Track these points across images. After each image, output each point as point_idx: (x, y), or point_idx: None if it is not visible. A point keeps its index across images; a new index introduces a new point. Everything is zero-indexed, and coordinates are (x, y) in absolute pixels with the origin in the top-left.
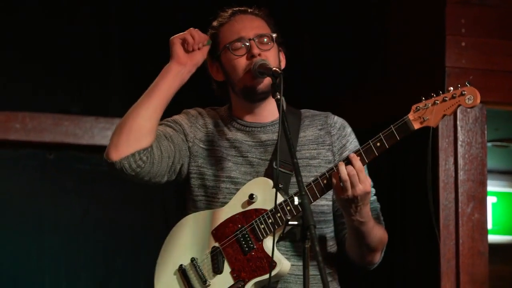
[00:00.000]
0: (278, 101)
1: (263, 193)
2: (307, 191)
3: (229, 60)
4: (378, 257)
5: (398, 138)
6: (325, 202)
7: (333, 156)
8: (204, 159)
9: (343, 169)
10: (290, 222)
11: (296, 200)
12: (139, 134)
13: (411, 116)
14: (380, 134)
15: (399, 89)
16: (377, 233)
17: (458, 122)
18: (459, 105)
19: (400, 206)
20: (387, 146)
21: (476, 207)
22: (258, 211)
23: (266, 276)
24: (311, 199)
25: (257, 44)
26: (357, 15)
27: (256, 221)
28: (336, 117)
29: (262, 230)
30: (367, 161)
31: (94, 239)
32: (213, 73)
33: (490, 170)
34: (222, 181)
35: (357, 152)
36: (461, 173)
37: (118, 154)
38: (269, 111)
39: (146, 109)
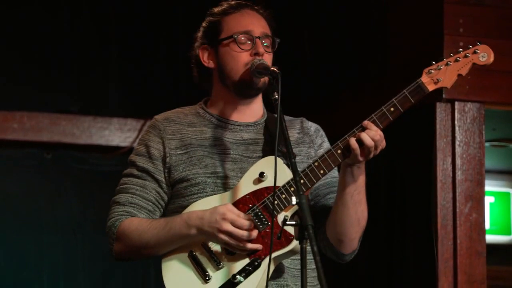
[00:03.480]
0: (275, 101)
1: (273, 171)
2: (317, 166)
3: (230, 51)
4: (358, 243)
5: (413, 101)
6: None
7: (315, 153)
8: (185, 162)
9: (365, 135)
10: (288, 222)
11: (294, 200)
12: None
13: (424, 78)
14: (393, 99)
15: (398, 88)
16: (365, 205)
17: (456, 122)
18: (474, 63)
19: (399, 206)
20: (402, 110)
21: (474, 207)
22: (269, 189)
23: (283, 250)
24: (325, 169)
25: (264, 44)
26: (357, 14)
27: (268, 198)
28: (310, 122)
29: (275, 206)
30: (381, 127)
31: (92, 238)
32: (203, 58)
33: (488, 170)
34: (208, 177)
35: (370, 119)
36: (459, 173)
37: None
38: (253, 111)
39: (156, 252)
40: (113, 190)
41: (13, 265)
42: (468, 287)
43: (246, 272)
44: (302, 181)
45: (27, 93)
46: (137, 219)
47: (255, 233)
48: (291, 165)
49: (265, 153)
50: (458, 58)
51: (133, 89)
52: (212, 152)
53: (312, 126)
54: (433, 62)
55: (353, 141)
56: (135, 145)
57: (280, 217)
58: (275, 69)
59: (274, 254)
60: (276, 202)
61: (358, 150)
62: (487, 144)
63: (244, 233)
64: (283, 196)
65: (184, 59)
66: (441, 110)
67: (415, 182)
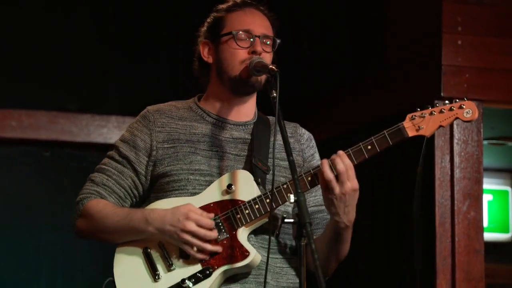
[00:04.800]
0: (273, 99)
1: (241, 185)
2: (287, 187)
3: (229, 48)
4: (333, 270)
5: (391, 143)
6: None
7: (303, 162)
8: (170, 157)
9: (327, 167)
10: (286, 220)
11: (292, 198)
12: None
13: (406, 123)
14: (372, 137)
15: (396, 87)
16: (349, 243)
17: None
18: (456, 118)
19: (397, 204)
20: (379, 150)
21: (472, 205)
22: (234, 202)
23: (236, 264)
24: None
25: (262, 44)
26: (355, 12)
27: (232, 211)
28: (304, 129)
29: (237, 219)
30: (355, 162)
31: None
32: (203, 52)
33: (486, 168)
34: (191, 174)
35: (346, 152)
36: (457, 171)
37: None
38: (247, 110)
39: (113, 239)
40: None
41: (11, 263)
42: (466, 285)
43: (196, 278)
44: (267, 200)
45: (25, 91)
46: (104, 201)
47: (215, 233)
48: (289, 163)
49: (251, 153)
50: (443, 110)
51: (131, 87)
52: (199, 148)
53: (305, 134)
54: (418, 109)
55: (325, 163)
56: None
57: (239, 231)
58: (273, 67)
59: (224, 267)
60: (238, 216)
61: (329, 175)
62: (485, 142)
63: (207, 233)
64: (247, 211)
65: (183, 57)
66: None
67: (414, 181)
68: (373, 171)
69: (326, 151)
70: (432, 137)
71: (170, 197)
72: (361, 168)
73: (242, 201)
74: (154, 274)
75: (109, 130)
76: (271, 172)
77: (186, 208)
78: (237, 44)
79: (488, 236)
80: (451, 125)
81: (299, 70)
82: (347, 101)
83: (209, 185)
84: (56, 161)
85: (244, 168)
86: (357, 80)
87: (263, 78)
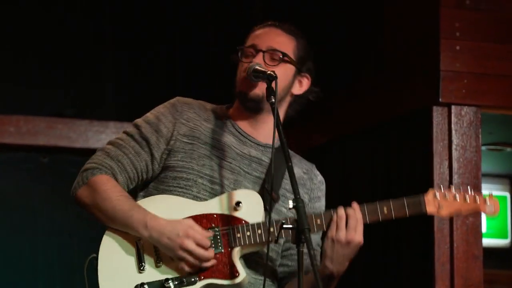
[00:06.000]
0: (272, 105)
1: (249, 206)
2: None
3: (238, 63)
4: None
5: (407, 214)
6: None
7: (309, 201)
8: (186, 153)
9: (342, 209)
10: (285, 226)
11: (291, 204)
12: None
13: (427, 197)
14: (391, 200)
15: (394, 92)
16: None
17: (452, 126)
18: (477, 211)
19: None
20: (394, 217)
21: None
22: (238, 220)
23: (223, 281)
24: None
25: (266, 57)
26: (353, 18)
27: (233, 228)
28: (318, 172)
29: (236, 238)
30: (368, 221)
31: (88, 242)
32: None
33: (485, 174)
34: (200, 177)
35: (361, 206)
36: (455, 177)
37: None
38: (267, 132)
39: (107, 223)
40: None
41: (9, 268)
42: None
43: (180, 282)
44: (271, 229)
45: (23, 96)
46: (113, 182)
47: (211, 253)
48: (288, 168)
49: (264, 176)
50: (467, 198)
51: (129, 93)
52: (215, 154)
53: (318, 176)
54: (442, 188)
55: (341, 210)
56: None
57: (235, 250)
58: (271, 72)
59: (210, 281)
60: (238, 235)
61: (342, 217)
62: (483, 148)
63: (205, 253)
64: (248, 233)
65: (181, 62)
66: (437, 114)
67: (412, 184)
68: (371, 174)
69: (322, 156)
70: (430, 143)
71: (173, 194)
72: (360, 169)
73: (246, 222)
74: (140, 265)
75: (107, 136)
76: (280, 201)
77: (187, 224)
78: (241, 59)
79: (486, 241)
80: (450, 131)
81: None
82: (345, 106)
83: (212, 193)
84: (54, 166)
85: (253, 189)
86: (355, 85)
87: (262, 91)
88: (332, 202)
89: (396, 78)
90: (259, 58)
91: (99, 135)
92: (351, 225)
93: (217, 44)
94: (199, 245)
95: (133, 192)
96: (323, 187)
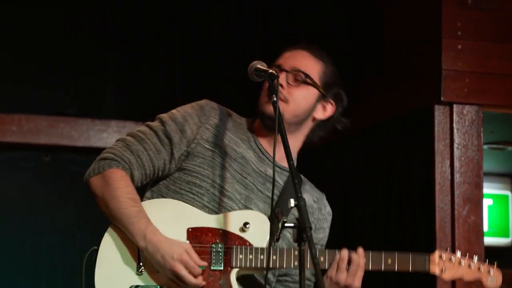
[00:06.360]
0: (274, 103)
1: (257, 229)
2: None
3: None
4: None
5: (410, 270)
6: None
7: (313, 231)
8: (205, 159)
9: (346, 251)
10: (286, 224)
11: (292, 202)
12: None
13: (432, 257)
14: (396, 253)
15: (395, 91)
16: None
17: (454, 125)
18: (480, 280)
19: (397, 207)
20: (396, 270)
21: (472, 210)
22: (243, 241)
23: None
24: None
25: (289, 77)
26: (354, 17)
27: (237, 248)
28: (327, 202)
29: (238, 259)
30: (369, 269)
31: (90, 240)
32: None
33: (486, 173)
34: (213, 186)
35: (365, 253)
36: (457, 176)
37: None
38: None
39: (111, 219)
40: None
41: (11, 268)
42: None
43: None
44: (274, 257)
45: (25, 95)
46: (127, 181)
47: (200, 280)
48: (289, 167)
49: (275, 198)
50: (471, 265)
51: (131, 92)
52: (233, 167)
53: (327, 207)
54: (447, 249)
55: (345, 252)
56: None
57: (234, 271)
58: (273, 71)
59: None
60: (240, 256)
61: (344, 260)
62: (485, 146)
63: (193, 281)
64: (250, 256)
65: (182, 61)
66: (439, 113)
67: (413, 183)
68: (372, 173)
69: (323, 157)
70: (432, 142)
71: (183, 197)
72: (361, 168)
73: (251, 245)
74: (139, 267)
75: (109, 135)
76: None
77: (183, 248)
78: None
79: (488, 240)
80: (451, 130)
81: None
82: (346, 106)
83: (222, 205)
84: (56, 165)
85: (263, 209)
86: (356, 85)
87: (282, 111)
88: (333, 203)
89: (397, 77)
90: (282, 78)
91: (101, 134)
92: (352, 270)
93: (218, 44)
94: (190, 272)
95: (143, 186)
96: (330, 218)
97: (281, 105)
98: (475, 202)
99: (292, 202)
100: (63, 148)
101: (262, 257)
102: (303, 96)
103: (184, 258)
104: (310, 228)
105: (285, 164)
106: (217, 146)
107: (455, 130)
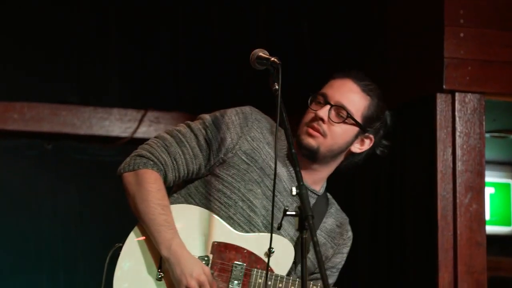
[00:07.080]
0: (276, 92)
1: (281, 256)
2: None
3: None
4: None
5: None
6: None
7: (332, 256)
8: (239, 171)
9: None
10: (288, 213)
11: (294, 191)
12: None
13: None
14: None
15: (397, 79)
16: None
17: (456, 113)
18: None
19: (399, 197)
20: None
21: (474, 198)
22: (264, 265)
23: None
24: None
25: (332, 111)
26: (356, 6)
27: (258, 271)
28: (350, 227)
29: (257, 283)
30: None
31: (92, 229)
32: None
33: (488, 161)
34: (242, 200)
35: None
36: (459, 164)
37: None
38: (315, 178)
39: (138, 219)
40: (114, 180)
41: (13, 256)
42: (468, 277)
43: None
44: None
45: (27, 83)
46: (160, 185)
47: None
48: (293, 156)
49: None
50: None
51: (133, 80)
52: (264, 183)
53: (349, 232)
54: None
55: None
56: (155, 133)
57: None
58: (275, 59)
59: None
60: (260, 280)
61: None
62: (487, 135)
63: None
64: (269, 282)
65: (184, 50)
66: (441, 101)
67: (415, 174)
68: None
69: None
70: (434, 130)
71: (210, 204)
72: (363, 168)
73: (271, 270)
74: (158, 273)
75: (111, 123)
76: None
77: (203, 270)
78: (310, 106)
79: (490, 229)
80: (453, 118)
81: (299, 65)
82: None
83: (248, 219)
84: (58, 153)
85: (287, 229)
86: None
87: (318, 143)
88: (337, 189)
89: (400, 65)
90: (324, 110)
91: (103, 122)
92: None
93: (220, 33)
94: None
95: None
96: (350, 243)
97: (319, 139)
98: (477, 190)
99: (294, 190)
100: (66, 136)
101: (280, 285)
102: (342, 132)
103: (201, 279)
104: (312, 217)
105: (314, 187)
106: (254, 160)
107: (457, 118)
